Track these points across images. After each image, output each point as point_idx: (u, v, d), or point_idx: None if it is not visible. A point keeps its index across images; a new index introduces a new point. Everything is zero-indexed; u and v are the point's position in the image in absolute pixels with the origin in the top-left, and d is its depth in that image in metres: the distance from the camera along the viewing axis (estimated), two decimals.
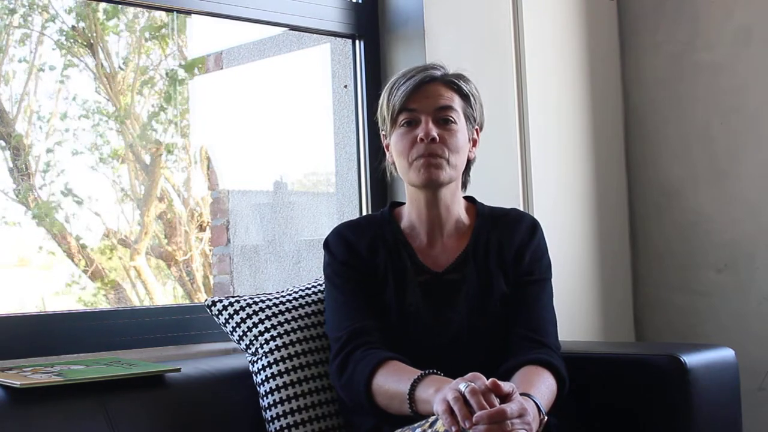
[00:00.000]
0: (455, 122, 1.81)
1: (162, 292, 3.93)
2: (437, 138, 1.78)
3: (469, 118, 1.86)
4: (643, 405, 1.94)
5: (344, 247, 1.87)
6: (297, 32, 2.83)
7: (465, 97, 1.85)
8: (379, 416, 1.71)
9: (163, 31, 3.91)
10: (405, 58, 2.53)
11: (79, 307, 3.78)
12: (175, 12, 2.58)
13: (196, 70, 3.84)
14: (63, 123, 3.77)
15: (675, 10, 2.94)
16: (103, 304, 3.80)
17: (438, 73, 1.84)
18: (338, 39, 2.67)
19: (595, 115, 2.91)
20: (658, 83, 2.98)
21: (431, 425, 1.47)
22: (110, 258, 3.88)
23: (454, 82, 1.84)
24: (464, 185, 1.93)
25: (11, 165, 3.54)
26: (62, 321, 1.98)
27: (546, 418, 1.57)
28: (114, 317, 2.08)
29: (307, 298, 1.97)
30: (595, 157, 2.89)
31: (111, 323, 2.04)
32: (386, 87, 1.87)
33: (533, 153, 2.65)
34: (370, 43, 2.57)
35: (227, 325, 1.93)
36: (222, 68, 3.55)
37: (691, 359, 1.91)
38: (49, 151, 3.70)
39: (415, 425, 1.52)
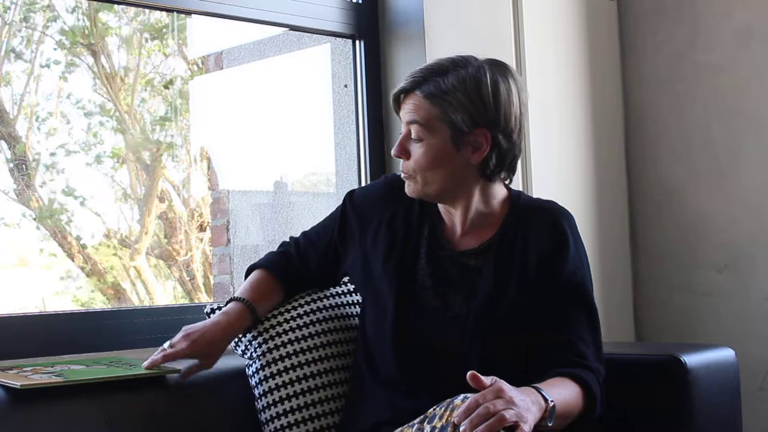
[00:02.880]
0: (421, 139, 1.72)
1: (162, 292, 3.93)
2: (402, 155, 1.75)
3: (455, 125, 1.70)
4: (643, 405, 1.94)
5: (368, 202, 1.90)
6: (297, 32, 2.83)
7: (444, 108, 1.70)
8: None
9: (164, 31, 3.91)
10: (405, 58, 2.53)
11: (78, 307, 3.78)
12: (175, 12, 2.58)
13: (195, 69, 3.84)
14: (63, 123, 3.77)
15: (675, 10, 2.94)
16: (101, 304, 3.80)
17: (412, 85, 1.73)
18: (338, 39, 2.67)
19: (595, 115, 2.91)
20: (658, 83, 2.98)
21: (429, 421, 1.47)
22: (110, 258, 3.88)
23: (429, 95, 1.71)
24: (505, 179, 1.83)
25: (11, 165, 3.54)
26: (62, 321, 1.98)
27: (553, 403, 1.51)
28: (114, 317, 2.09)
29: (300, 300, 1.96)
30: (595, 157, 2.89)
31: (111, 323, 2.04)
32: None
33: (533, 153, 2.65)
34: (370, 43, 2.57)
35: None
36: (222, 68, 3.55)
37: (691, 359, 1.91)
38: (51, 154, 3.71)
39: (413, 422, 1.51)
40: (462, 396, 1.45)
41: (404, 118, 1.76)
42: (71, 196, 3.72)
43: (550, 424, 1.51)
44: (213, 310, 1.94)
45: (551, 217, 1.80)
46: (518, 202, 1.84)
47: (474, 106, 1.70)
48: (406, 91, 1.75)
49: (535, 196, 2.61)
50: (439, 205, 1.83)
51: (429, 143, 1.72)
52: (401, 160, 1.78)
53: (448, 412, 1.44)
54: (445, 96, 1.70)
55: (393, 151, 1.76)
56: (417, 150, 1.74)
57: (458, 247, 1.80)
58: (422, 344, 1.73)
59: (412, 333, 1.74)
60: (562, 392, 1.60)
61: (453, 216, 1.81)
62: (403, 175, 1.79)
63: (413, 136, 1.74)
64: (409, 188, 1.78)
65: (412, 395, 1.69)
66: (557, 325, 1.73)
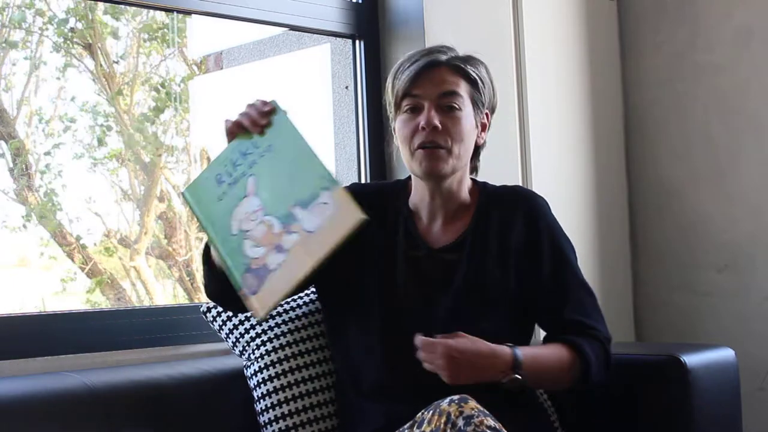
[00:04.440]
0: (460, 109, 1.75)
1: (162, 292, 3.92)
2: (439, 126, 1.72)
3: (477, 103, 1.79)
4: (643, 405, 1.94)
5: None
6: (297, 32, 2.83)
7: (472, 81, 1.78)
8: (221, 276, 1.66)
9: (164, 31, 3.91)
10: None
11: (79, 306, 3.78)
12: (175, 12, 2.57)
13: (195, 69, 3.84)
14: (63, 123, 3.77)
15: (675, 10, 2.94)
16: (100, 304, 3.80)
17: (443, 57, 1.77)
18: (338, 39, 2.67)
19: (595, 115, 2.91)
20: (658, 83, 2.98)
21: (418, 426, 1.47)
22: (110, 258, 3.88)
23: (460, 67, 1.77)
24: (474, 170, 1.88)
25: (11, 165, 3.54)
26: (62, 321, 1.98)
27: (519, 357, 1.62)
28: (114, 317, 2.08)
29: (299, 300, 1.96)
30: (595, 157, 2.89)
31: (111, 323, 2.04)
32: (392, 70, 1.82)
33: (533, 153, 2.65)
34: (370, 43, 2.56)
35: (222, 330, 1.94)
36: (222, 68, 3.55)
37: (691, 359, 1.92)
38: (47, 153, 3.71)
39: (403, 427, 1.52)
40: (448, 399, 1.46)
41: (435, 90, 1.74)
42: (71, 197, 3.72)
43: (518, 377, 1.62)
44: (209, 309, 1.94)
45: (523, 203, 1.85)
46: (486, 190, 1.87)
47: (489, 87, 1.82)
48: (438, 65, 1.76)
49: None
50: (417, 201, 1.83)
51: (464, 114, 1.76)
52: (420, 136, 1.74)
53: (436, 417, 1.44)
54: (472, 73, 1.78)
55: (426, 121, 1.73)
56: (452, 121, 1.74)
57: (435, 244, 1.81)
58: (411, 348, 1.73)
59: (399, 338, 1.73)
60: (544, 352, 1.71)
61: (434, 206, 1.81)
62: (429, 152, 1.74)
63: (453, 104, 1.75)
64: (438, 164, 1.74)
65: (404, 400, 1.67)
66: (564, 310, 1.79)
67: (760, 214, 2.79)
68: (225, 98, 3.59)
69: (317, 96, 2.88)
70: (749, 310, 2.79)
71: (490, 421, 1.42)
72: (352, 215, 1.48)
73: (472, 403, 1.45)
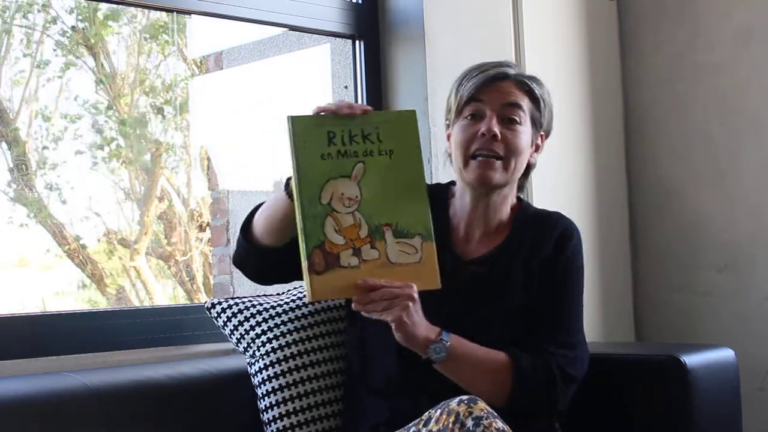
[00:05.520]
0: (520, 123, 1.77)
1: (162, 292, 3.93)
2: (499, 135, 1.73)
3: (536, 122, 1.82)
4: (643, 405, 1.94)
5: None
6: (297, 32, 2.83)
7: (535, 100, 1.81)
8: (255, 251, 1.73)
9: (164, 33, 3.91)
10: (405, 59, 2.52)
11: (78, 307, 3.78)
12: (175, 12, 2.58)
13: (196, 70, 3.85)
14: (63, 123, 3.77)
15: (675, 10, 2.94)
16: (101, 304, 3.80)
17: (511, 71, 1.80)
18: (338, 39, 2.67)
19: (595, 115, 2.91)
20: (659, 83, 2.98)
21: (425, 424, 1.47)
22: (110, 258, 3.88)
23: (525, 83, 1.80)
24: (521, 188, 1.89)
25: (12, 165, 3.54)
26: (62, 321, 1.98)
27: (445, 341, 1.61)
28: (114, 317, 2.08)
29: (305, 299, 1.96)
30: (595, 158, 2.89)
31: (111, 323, 2.04)
32: (457, 78, 1.83)
33: None
34: (370, 44, 2.56)
35: (226, 327, 1.93)
36: (222, 68, 3.55)
37: (691, 359, 1.92)
38: (51, 155, 3.71)
39: (410, 425, 1.52)
40: (458, 399, 1.46)
41: (500, 99, 1.76)
42: (71, 197, 3.72)
43: (434, 357, 1.61)
44: (213, 305, 1.94)
45: (558, 227, 1.84)
46: (527, 210, 1.88)
47: (549, 109, 1.86)
48: (506, 78, 1.79)
49: (534, 196, 2.62)
50: (457, 210, 1.83)
51: (523, 130, 1.78)
52: (479, 142, 1.74)
53: (444, 416, 1.44)
54: (536, 91, 1.81)
55: (487, 128, 1.74)
56: (512, 133, 1.76)
57: (467, 255, 1.81)
58: None
59: None
60: (476, 349, 1.67)
61: (474, 217, 1.81)
62: (484, 161, 1.74)
63: (514, 117, 1.77)
64: (492, 174, 1.75)
65: (411, 397, 1.70)
66: (537, 334, 1.76)
67: (760, 214, 2.79)
68: (225, 98, 3.59)
69: (317, 96, 2.88)
70: (749, 310, 2.79)
71: (500, 424, 1.42)
72: (431, 279, 1.57)
73: (482, 404, 1.45)
